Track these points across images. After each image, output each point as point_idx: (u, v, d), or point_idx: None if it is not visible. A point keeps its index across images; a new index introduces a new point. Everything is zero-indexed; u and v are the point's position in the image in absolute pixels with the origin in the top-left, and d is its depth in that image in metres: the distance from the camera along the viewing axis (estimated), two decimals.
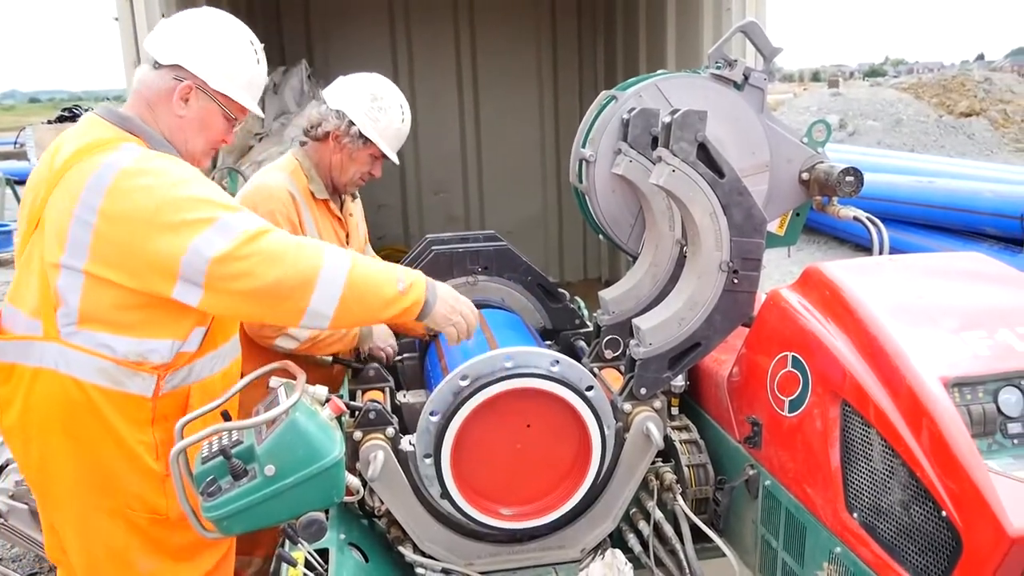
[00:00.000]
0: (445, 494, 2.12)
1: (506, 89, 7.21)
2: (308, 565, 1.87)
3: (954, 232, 9.34)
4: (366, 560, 2.12)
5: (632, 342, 2.26)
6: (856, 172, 2.48)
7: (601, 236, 2.72)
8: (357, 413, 2.16)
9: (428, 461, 2.10)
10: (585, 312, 3.26)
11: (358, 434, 2.14)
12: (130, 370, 1.85)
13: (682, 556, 2.26)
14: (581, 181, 2.63)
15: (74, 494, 1.92)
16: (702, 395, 2.65)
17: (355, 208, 2.96)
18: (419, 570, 2.23)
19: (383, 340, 2.83)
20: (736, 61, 2.54)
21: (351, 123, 2.64)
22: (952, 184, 9.92)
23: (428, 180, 7.40)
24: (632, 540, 2.42)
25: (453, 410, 2.06)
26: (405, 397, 2.66)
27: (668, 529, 2.33)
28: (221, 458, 1.65)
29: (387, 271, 1.95)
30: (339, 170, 2.73)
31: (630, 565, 2.25)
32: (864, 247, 9.99)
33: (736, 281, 2.13)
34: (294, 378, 1.75)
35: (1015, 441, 1.64)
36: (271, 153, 5.21)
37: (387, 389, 2.55)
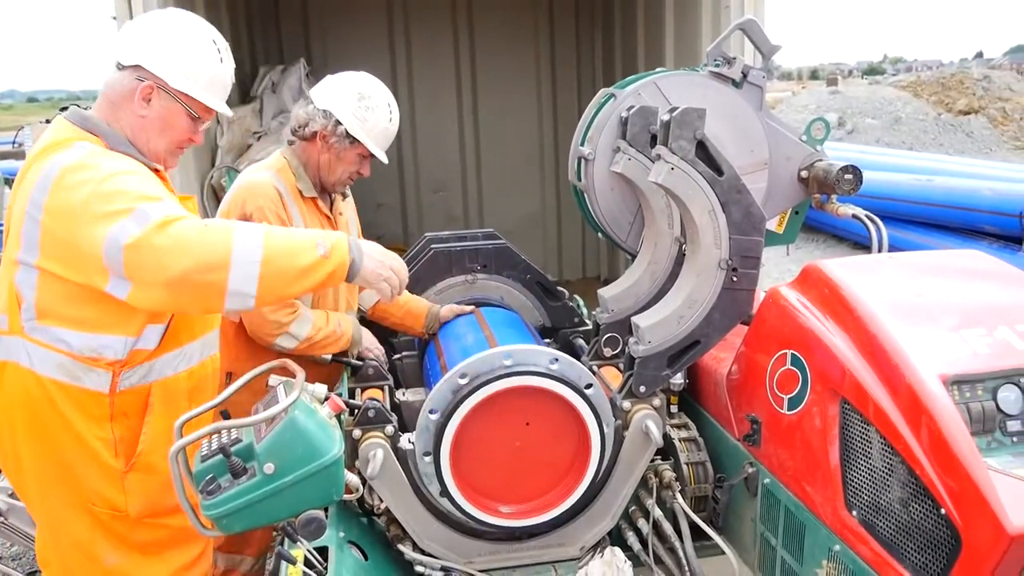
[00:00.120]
0: (444, 492, 2.12)
1: (505, 87, 7.21)
2: (307, 563, 1.87)
3: (953, 230, 9.34)
4: (365, 558, 2.12)
5: (631, 340, 2.26)
6: (855, 170, 2.48)
7: (600, 234, 2.72)
8: (356, 411, 2.16)
9: (427, 459, 2.10)
10: (584, 310, 3.26)
11: (357, 432, 2.14)
12: (86, 365, 1.88)
13: (681, 554, 2.26)
14: (580, 179, 2.63)
15: (41, 488, 1.96)
16: (701, 393, 2.65)
17: (346, 207, 2.94)
18: (418, 568, 2.24)
19: (373, 345, 2.84)
20: (735, 59, 2.54)
21: (338, 123, 2.62)
22: (951, 182, 9.92)
23: (427, 179, 7.40)
24: (631, 538, 2.42)
25: (452, 408, 2.06)
26: (404, 395, 2.67)
27: (667, 527, 2.33)
28: (220, 456, 1.65)
29: (305, 238, 1.87)
30: (327, 170, 2.72)
31: (629, 563, 2.25)
32: (863, 245, 10.00)
33: (735, 279, 2.13)
34: (293, 376, 1.75)
35: (1014, 439, 1.64)
36: (270, 152, 5.19)
37: (386, 387, 2.55)
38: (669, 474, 2.39)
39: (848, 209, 2.60)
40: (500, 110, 7.26)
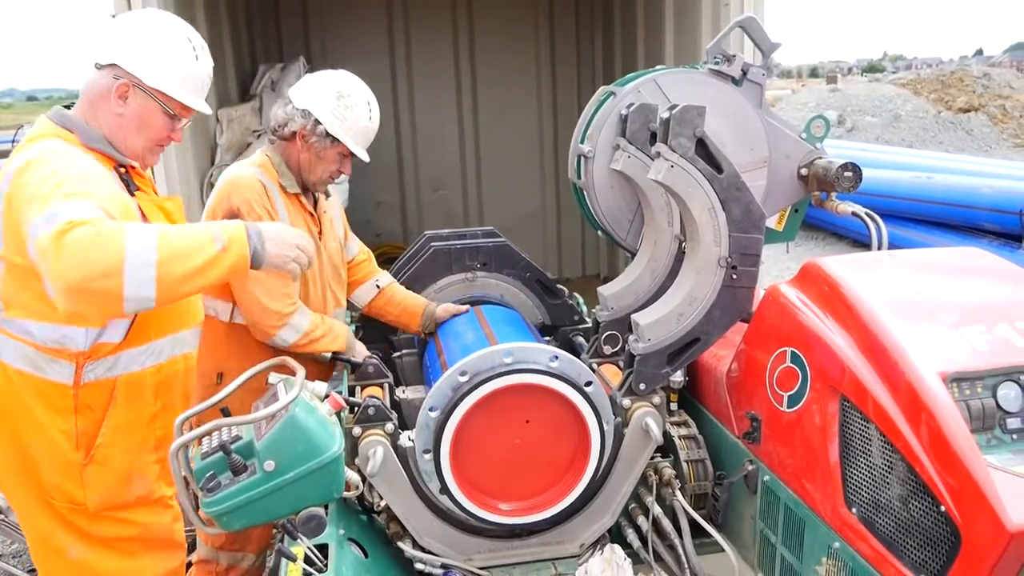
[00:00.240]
0: (444, 489, 2.13)
1: (504, 85, 7.21)
2: (307, 560, 1.87)
3: (953, 228, 9.34)
4: (365, 555, 2.12)
5: (631, 338, 2.26)
6: (854, 168, 2.48)
7: (600, 232, 2.72)
8: (356, 409, 2.17)
9: (427, 457, 2.11)
10: (584, 308, 3.27)
11: (357, 430, 2.15)
12: (49, 356, 1.88)
13: (681, 551, 2.26)
14: (579, 177, 2.63)
15: (10, 479, 1.98)
16: (701, 391, 2.65)
17: (329, 206, 2.92)
18: (418, 565, 2.24)
19: (365, 354, 2.83)
20: (734, 57, 2.54)
21: (317, 122, 2.60)
22: (951, 180, 9.91)
23: (427, 177, 7.40)
24: (631, 535, 2.43)
25: (452, 406, 2.06)
26: (404, 393, 2.67)
27: (667, 524, 2.33)
28: (221, 454, 1.65)
29: (200, 234, 1.82)
30: (308, 169, 2.69)
31: (629, 560, 2.25)
32: (863, 243, 9.99)
33: (735, 277, 2.13)
34: (293, 374, 1.75)
35: (1014, 436, 1.64)
36: None
37: (386, 385, 2.55)
38: (669, 471, 2.40)
39: (848, 207, 2.60)
40: (500, 108, 7.25)
